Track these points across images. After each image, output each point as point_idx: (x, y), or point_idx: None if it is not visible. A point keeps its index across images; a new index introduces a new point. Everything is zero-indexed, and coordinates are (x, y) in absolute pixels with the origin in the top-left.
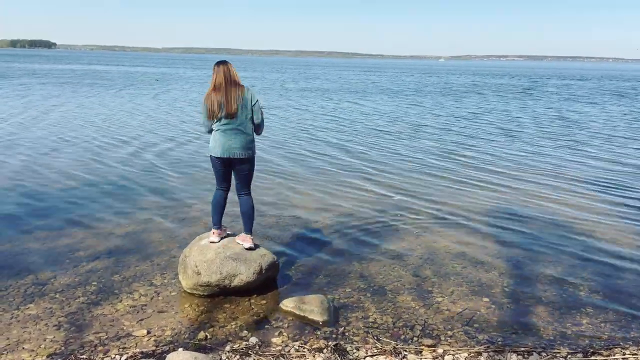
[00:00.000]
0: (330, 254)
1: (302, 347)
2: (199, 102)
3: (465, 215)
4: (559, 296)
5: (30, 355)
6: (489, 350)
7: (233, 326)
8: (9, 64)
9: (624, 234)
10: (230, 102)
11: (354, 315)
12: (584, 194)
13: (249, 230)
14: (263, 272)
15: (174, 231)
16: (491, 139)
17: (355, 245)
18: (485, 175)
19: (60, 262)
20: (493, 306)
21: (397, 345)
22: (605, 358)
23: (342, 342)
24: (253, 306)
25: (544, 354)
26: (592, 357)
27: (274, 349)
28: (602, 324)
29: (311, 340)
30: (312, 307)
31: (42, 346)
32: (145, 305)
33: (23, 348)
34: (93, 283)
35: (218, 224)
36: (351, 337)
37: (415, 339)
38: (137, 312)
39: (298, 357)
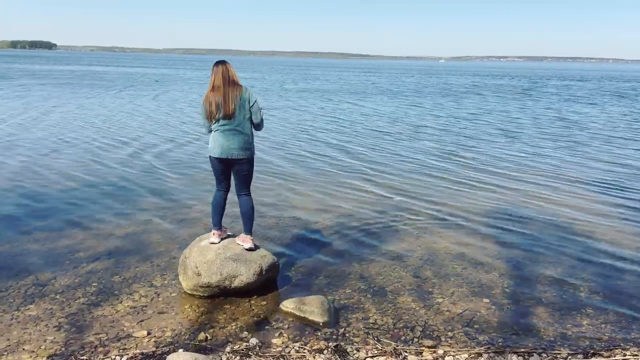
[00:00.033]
0: (331, 255)
1: (302, 348)
2: (198, 103)
3: (465, 216)
4: (559, 297)
5: (31, 356)
6: (489, 351)
7: (233, 327)
8: (9, 64)
9: (624, 235)
10: (228, 103)
11: (354, 316)
12: (584, 195)
13: (249, 230)
14: (263, 273)
15: (174, 232)
16: (491, 139)
17: (356, 246)
18: (485, 176)
19: (60, 263)
20: (493, 307)
21: (397, 346)
22: (606, 359)
23: (342, 343)
24: (253, 307)
25: (544, 354)
26: (593, 358)
27: (274, 350)
28: (603, 325)
29: (311, 341)
30: (313, 308)
31: (43, 347)
32: (146, 306)
33: (23, 349)
34: (93, 284)
35: (218, 224)
36: (351, 338)
37: (415, 340)
38: (138, 313)
39: (298, 358)
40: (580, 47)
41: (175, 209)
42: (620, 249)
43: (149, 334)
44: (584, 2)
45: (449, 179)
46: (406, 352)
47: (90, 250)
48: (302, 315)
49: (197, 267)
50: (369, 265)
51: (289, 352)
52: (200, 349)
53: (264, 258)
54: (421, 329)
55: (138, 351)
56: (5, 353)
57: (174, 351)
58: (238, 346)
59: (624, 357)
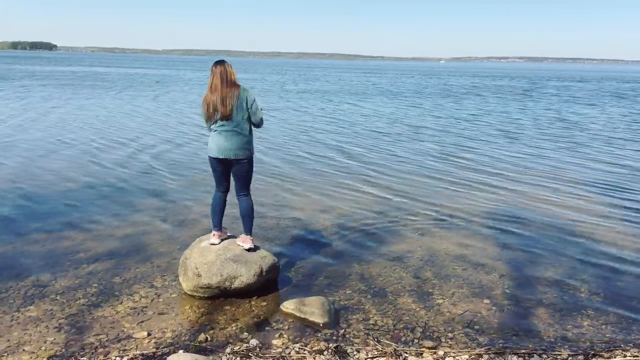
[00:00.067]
0: (331, 256)
1: (302, 349)
2: (197, 104)
3: (466, 218)
4: (559, 298)
5: (31, 357)
6: (489, 352)
7: (233, 328)
8: (9, 65)
9: (624, 236)
10: (225, 104)
11: (354, 317)
12: (584, 196)
13: (248, 231)
14: (263, 274)
15: (174, 233)
16: (491, 140)
17: (356, 247)
18: (485, 177)
19: (60, 264)
20: (494, 308)
21: (397, 347)
22: None
23: (342, 344)
24: (253, 308)
25: (544, 356)
26: (593, 359)
27: (274, 351)
28: (603, 326)
29: (312, 342)
30: (313, 309)
31: (43, 348)
32: (146, 307)
33: (23, 350)
34: (93, 285)
35: (218, 225)
36: (352, 339)
37: (415, 341)
38: (138, 314)
39: (298, 359)
40: (581, 48)
41: (175, 210)
42: (620, 250)
43: (149, 335)
44: (584, 3)
45: (449, 180)
46: (406, 353)
47: (91, 251)
48: (303, 316)
49: (197, 268)
50: (369, 266)
51: (289, 353)
52: (200, 350)
53: (264, 259)
54: (421, 330)
55: (138, 352)
56: (6, 354)
57: (174, 352)
58: (238, 347)
59: (624, 358)
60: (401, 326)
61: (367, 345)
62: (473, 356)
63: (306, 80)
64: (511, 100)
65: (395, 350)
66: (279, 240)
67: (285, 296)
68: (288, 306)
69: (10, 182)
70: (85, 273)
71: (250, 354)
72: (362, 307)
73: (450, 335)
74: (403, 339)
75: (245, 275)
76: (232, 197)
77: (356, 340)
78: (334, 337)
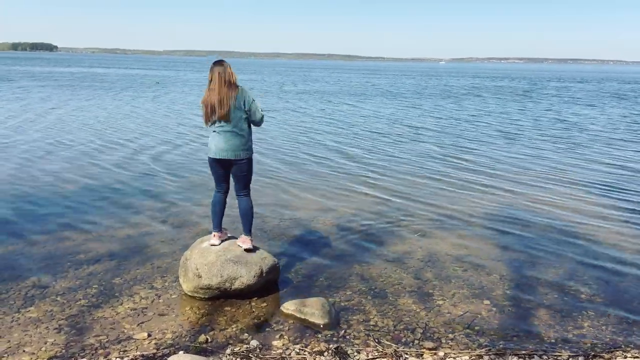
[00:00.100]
0: (331, 257)
1: (302, 350)
2: (197, 105)
3: (466, 219)
4: (560, 299)
5: (31, 358)
6: (490, 353)
7: (234, 329)
8: (9, 67)
9: (625, 237)
10: (223, 106)
11: (354, 318)
12: (584, 197)
13: (247, 231)
14: (264, 275)
15: (174, 234)
16: (491, 141)
17: (356, 248)
18: (485, 178)
19: (60, 265)
20: (494, 309)
21: (398, 348)
22: None
23: (343, 345)
24: (254, 309)
25: (545, 357)
26: None
27: (274, 352)
28: (604, 327)
29: (312, 343)
30: (313, 310)
31: (43, 349)
32: (146, 308)
33: (24, 351)
34: (94, 286)
35: (218, 226)
36: (352, 340)
37: (416, 342)
38: (138, 315)
39: None
40: (581, 49)
41: (175, 211)
42: (620, 251)
43: (149, 335)
44: (584, 3)
45: (449, 181)
46: (407, 354)
47: (91, 253)
48: (303, 317)
49: (197, 269)
50: (370, 267)
51: (290, 354)
52: (200, 351)
53: (264, 260)
54: (422, 331)
55: (138, 353)
56: (6, 355)
57: (175, 353)
58: (238, 348)
59: (625, 359)
60: (401, 327)
61: (368, 346)
62: (473, 357)
63: (305, 81)
64: (511, 101)
65: (395, 351)
66: (279, 241)
67: (285, 297)
68: (288, 307)
69: (10, 183)
70: (85, 274)
71: (250, 355)
72: (362, 308)
73: (450, 336)
74: (403, 339)
75: (245, 276)
76: (232, 198)
77: (356, 341)
78: (335, 338)
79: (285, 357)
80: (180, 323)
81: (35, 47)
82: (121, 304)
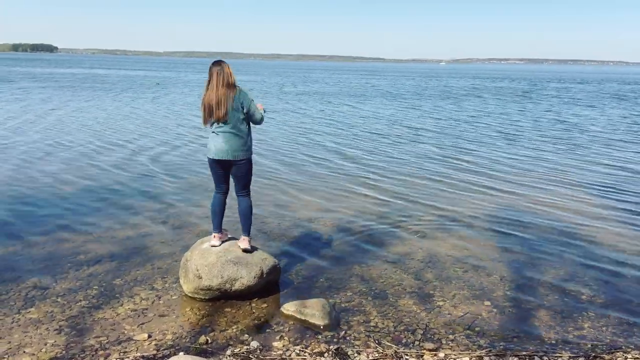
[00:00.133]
0: (331, 258)
1: (303, 351)
2: (197, 106)
3: (466, 220)
4: (560, 300)
5: (32, 359)
6: (490, 354)
7: (234, 330)
8: (10, 68)
9: (625, 238)
10: (220, 107)
11: (355, 319)
12: (584, 198)
13: (246, 231)
14: (264, 276)
15: (174, 235)
16: (491, 142)
17: (356, 249)
18: (484, 179)
19: (60, 266)
20: (494, 310)
21: (398, 349)
22: None
23: (343, 346)
24: (254, 310)
25: (545, 358)
26: None
27: (275, 353)
28: (604, 328)
29: (312, 344)
30: (313, 311)
31: (43, 350)
32: (147, 309)
33: (24, 352)
34: (94, 287)
35: (218, 227)
36: (352, 341)
37: (416, 343)
38: (138, 316)
39: None
40: (581, 50)
41: (175, 212)
42: (621, 253)
43: (149, 337)
44: (585, 4)
45: (449, 182)
46: (407, 355)
47: (91, 254)
48: (303, 318)
49: (198, 270)
50: (370, 268)
51: (290, 355)
52: (201, 352)
53: (264, 261)
54: (422, 332)
55: (139, 354)
56: (6, 356)
57: (175, 354)
58: (239, 349)
59: None
60: (402, 328)
61: (368, 347)
62: (474, 358)
63: (305, 82)
64: (511, 102)
65: (396, 352)
66: (279, 242)
67: (285, 298)
68: (289, 308)
69: (9, 184)
70: (85, 275)
71: (250, 356)
72: (362, 309)
73: (451, 337)
74: (404, 340)
75: (245, 277)
76: (232, 199)
77: (357, 342)
78: (335, 339)
79: (286, 358)
80: (180, 324)
81: (35, 48)
82: (121, 305)
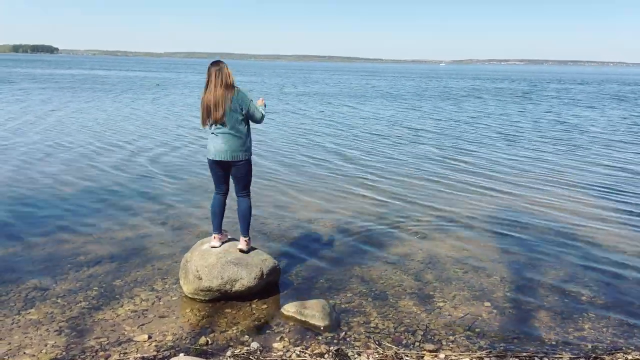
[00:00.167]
0: (332, 259)
1: (303, 352)
2: (197, 107)
3: (466, 221)
4: (560, 301)
5: None
6: (490, 355)
7: (234, 331)
8: (10, 69)
9: (625, 239)
10: (218, 108)
11: (355, 320)
12: (584, 200)
13: (244, 231)
14: (264, 277)
15: (174, 236)
16: (491, 143)
17: (357, 251)
18: (485, 180)
19: (61, 267)
20: (495, 311)
21: (398, 350)
22: None
23: (343, 347)
24: (254, 311)
25: (546, 359)
26: None
27: (275, 354)
28: (604, 329)
29: (312, 345)
30: (314, 312)
31: (44, 351)
32: (147, 310)
33: (24, 353)
34: (94, 288)
35: (218, 228)
36: (352, 342)
37: (416, 344)
38: (138, 317)
39: None
40: (582, 51)
41: (175, 213)
42: (621, 254)
43: (149, 338)
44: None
45: (449, 183)
46: (407, 356)
47: (91, 255)
48: (303, 319)
49: (198, 271)
50: (370, 269)
51: (290, 356)
52: (201, 353)
53: (264, 262)
54: (422, 333)
55: (139, 355)
56: (7, 357)
57: (175, 355)
58: (239, 350)
59: None
60: (402, 329)
61: (368, 349)
62: (474, 359)
63: (305, 83)
64: (511, 102)
65: (396, 353)
66: (279, 243)
67: (285, 299)
68: (289, 309)
69: (9, 185)
70: (85, 276)
71: (251, 357)
72: (363, 310)
73: (451, 338)
74: (404, 341)
75: (246, 278)
76: (232, 200)
77: (357, 344)
78: (335, 340)
79: (286, 359)
80: (180, 325)
81: (36, 49)
82: (121, 306)
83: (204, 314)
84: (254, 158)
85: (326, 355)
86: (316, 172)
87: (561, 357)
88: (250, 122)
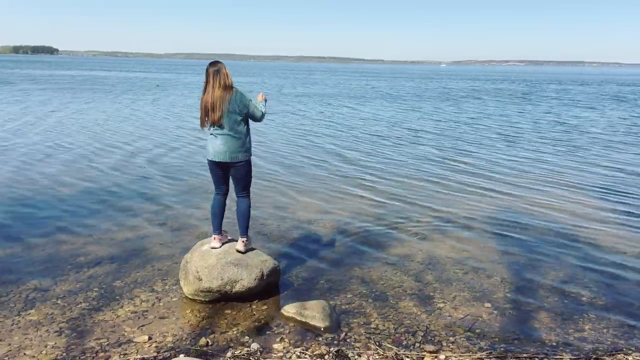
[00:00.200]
0: (332, 260)
1: (303, 353)
2: (196, 108)
3: (466, 222)
4: (560, 302)
5: None
6: (491, 356)
7: (234, 332)
8: (10, 70)
9: (625, 240)
10: (216, 109)
11: (355, 321)
12: (584, 201)
13: (242, 231)
14: (264, 277)
15: (174, 237)
16: (490, 144)
17: (357, 251)
18: (484, 181)
19: (61, 268)
20: (495, 312)
21: (398, 351)
22: None
23: (343, 348)
24: (254, 312)
25: None
26: None
27: (275, 355)
28: (605, 330)
29: (313, 346)
30: (314, 312)
31: (44, 352)
32: (147, 311)
33: (24, 354)
34: (94, 289)
35: (218, 229)
36: (353, 343)
37: (417, 345)
38: (139, 318)
39: None
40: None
41: (175, 214)
42: (621, 254)
43: (150, 339)
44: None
45: (449, 185)
46: (408, 357)
47: (91, 256)
48: (303, 320)
49: (198, 272)
50: (370, 270)
51: (290, 357)
52: (201, 354)
53: (265, 263)
54: (423, 333)
55: (139, 356)
56: (7, 358)
57: (175, 356)
58: (239, 351)
59: None
60: (402, 330)
61: (369, 349)
62: None
63: (305, 84)
64: (510, 103)
65: (396, 354)
66: (279, 244)
67: (286, 300)
68: (289, 310)
69: (9, 186)
70: (85, 277)
71: (251, 358)
72: (363, 310)
73: (451, 339)
74: (404, 342)
75: (246, 279)
76: (232, 201)
77: (357, 344)
78: (335, 341)
79: None
80: (180, 326)
81: (36, 50)
82: (122, 307)
83: (204, 315)
84: (253, 159)
85: (326, 356)
86: (316, 173)
87: (561, 358)
88: (249, 122)
